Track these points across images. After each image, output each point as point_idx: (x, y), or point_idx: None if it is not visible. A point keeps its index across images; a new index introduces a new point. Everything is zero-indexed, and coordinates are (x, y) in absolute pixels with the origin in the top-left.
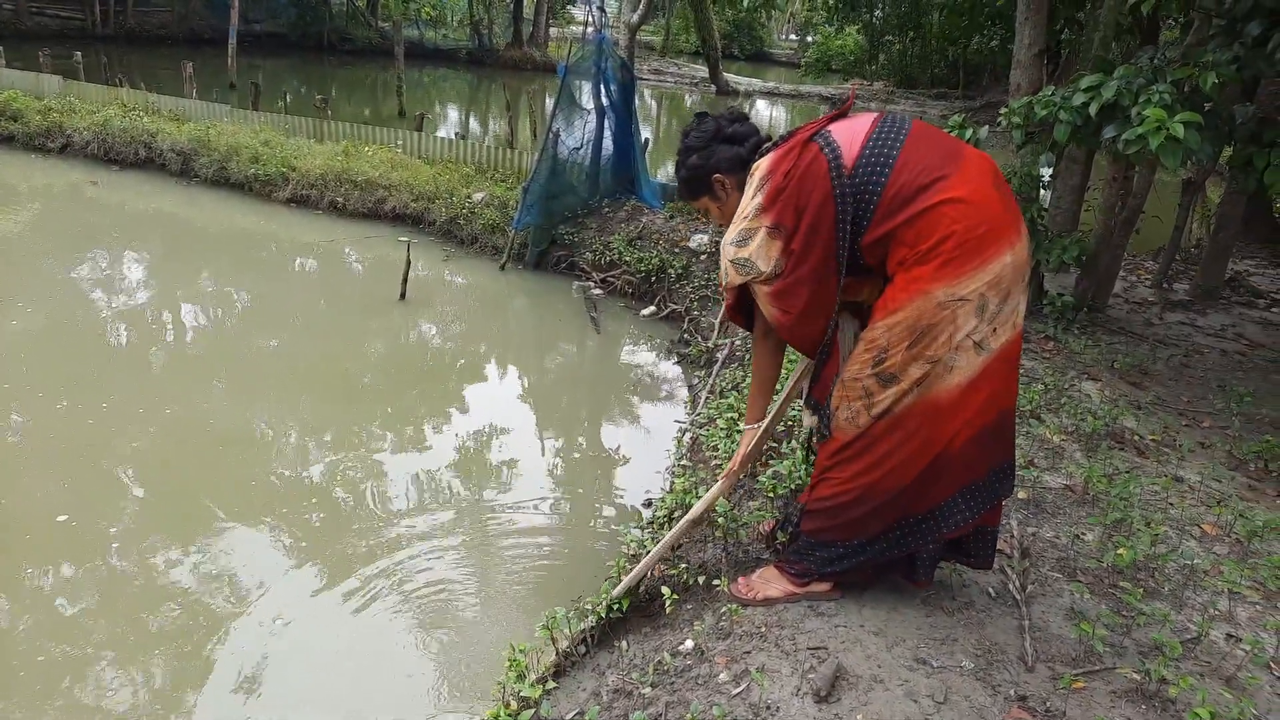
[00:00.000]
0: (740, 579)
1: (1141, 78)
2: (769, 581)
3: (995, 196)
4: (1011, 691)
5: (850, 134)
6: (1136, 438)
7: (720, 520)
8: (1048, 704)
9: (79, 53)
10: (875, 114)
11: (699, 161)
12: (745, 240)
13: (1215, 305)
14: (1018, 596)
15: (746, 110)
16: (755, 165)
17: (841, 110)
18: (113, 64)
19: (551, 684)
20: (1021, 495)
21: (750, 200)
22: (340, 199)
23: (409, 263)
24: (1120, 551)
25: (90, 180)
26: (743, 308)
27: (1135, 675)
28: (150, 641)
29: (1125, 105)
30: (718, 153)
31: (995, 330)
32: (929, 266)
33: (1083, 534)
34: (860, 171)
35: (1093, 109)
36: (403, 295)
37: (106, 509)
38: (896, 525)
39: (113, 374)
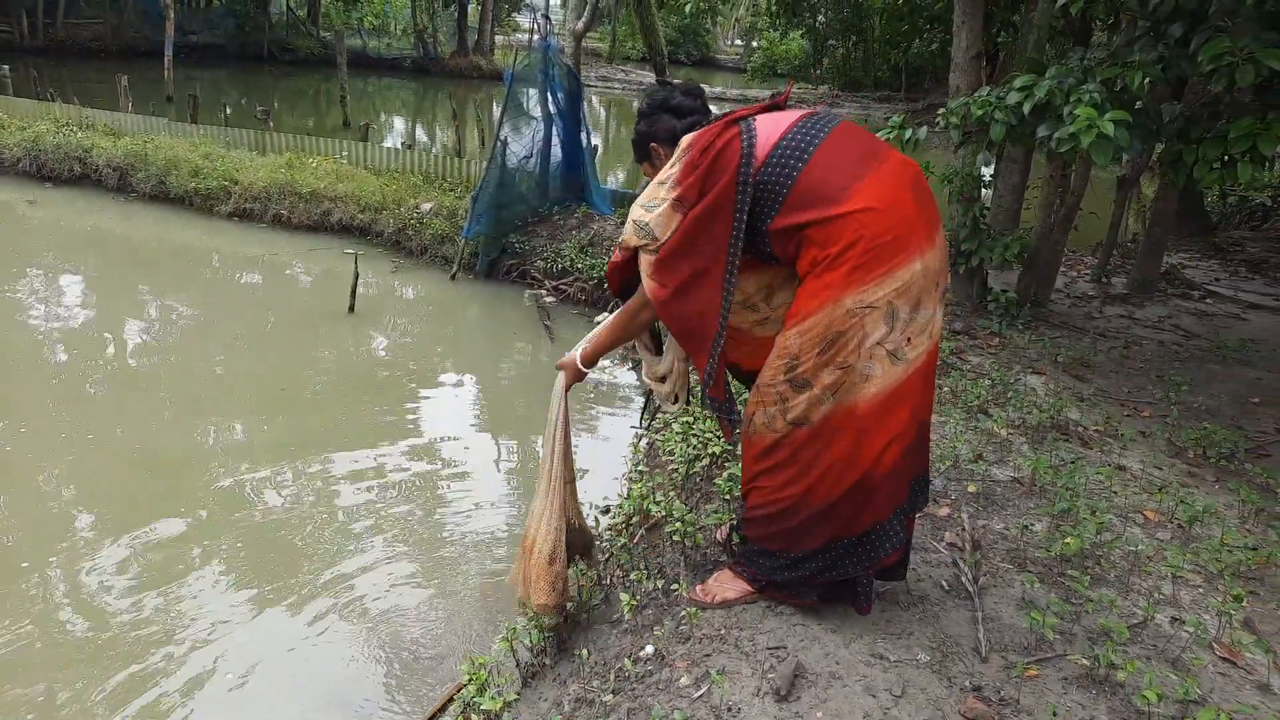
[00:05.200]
0: (699, 584)
1: (1072, 77)
2: (724, 584)
3: (909, 203)
4: (967, 682)
5: (772, 126)
6: (1080, 429)
7: (679, 525)
8: (1002, 693)
9: (7, 66)
10: (805, 110)
11: (644, 128)
12: (652, 206)
13: (1152, 298)
14: (970, 589)
15: None
16: (684, 139)
17: (776, 102)
18: (43, 77)
19: (512, 695)
20: (971, 489)
21: (668, 170)
22: (285, 212)
23: (357, 275)
24: (1068, 540)
25: (27, 199)
26: (627, 271)
27: (1085, 661)
28: (79, 675)
29: (1057, 104)
30: (659, 121)
31: (910, 340)
32: (839, 272)
33: (1031, 525)
34: (770, 165)
35: (1026, 108)
36: (351, 308)
37: (22, 532)
38: (832, 545)
39: (38, 397)
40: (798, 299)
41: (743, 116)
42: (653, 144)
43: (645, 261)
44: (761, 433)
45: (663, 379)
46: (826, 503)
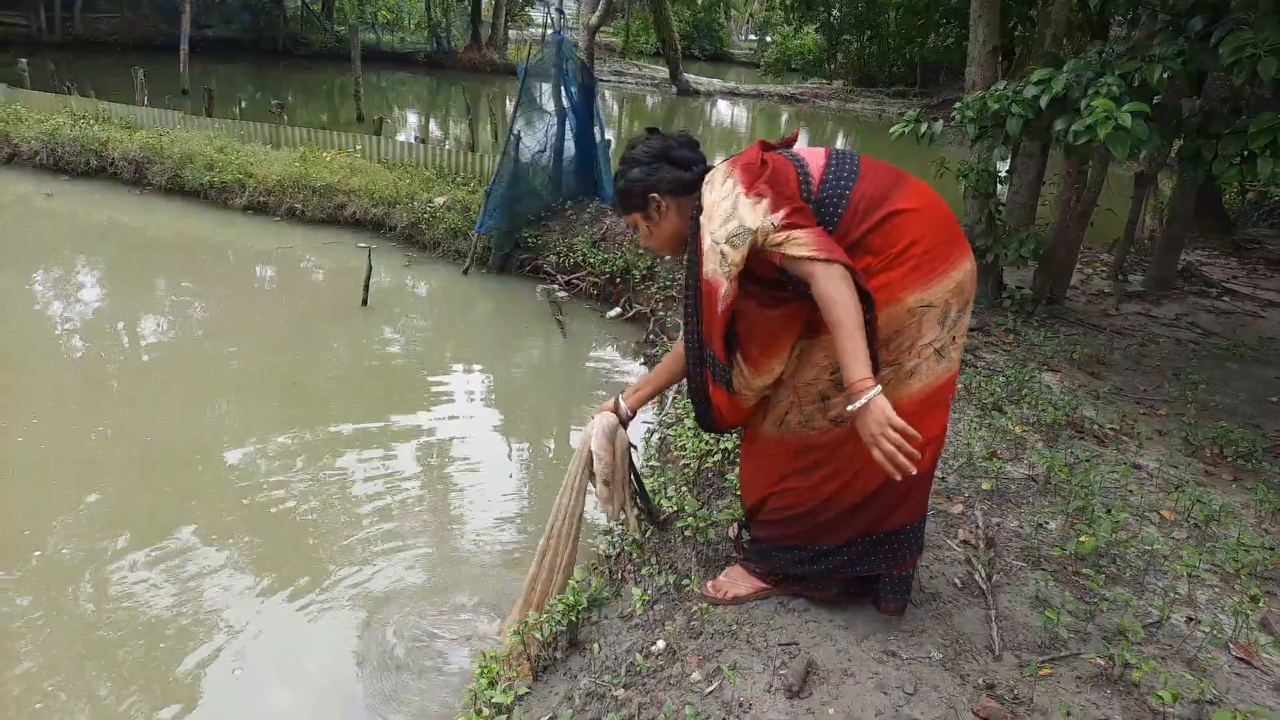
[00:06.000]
0: (710, 580)
1: (1090, 71)
2: (736, 580)
3: (945, 208)
4: (980, 680)
5: (810, 154)
6: (1096, 427)
7: (690, 520)
8: (1015, 691)
9: (24, 60)
10: (824, 148)
11: (640, 176)
12: (728, 219)
13: (1169, 295)
14: (984, 586)
15: (708, 110)
16: (708, 177)
17: (787, 140)
18: (60, 71)
19: (523, 689)
20: (985, 486)
21: (721, 187)
22: (299, 205)
23: (370, 269)
24: (1082, 539)
25: (44, 192)
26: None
27: (1100, 660)
28: (94, 661)
29: (1075, 98)
30: (660, 172)
31: (954, 340)
32: (899, 272)
33: (1045, 523)
34: (826, 183)
35: (1043, 102)
36: (365, 302)
37: (34, 521)
38: (857, 541)
39: (51, 388)
40: None
41: (774, 147)
42: (653, 194)
43: (797, 236)
44: (797, 432)
45: (609, 499)
46: (863, 496)
